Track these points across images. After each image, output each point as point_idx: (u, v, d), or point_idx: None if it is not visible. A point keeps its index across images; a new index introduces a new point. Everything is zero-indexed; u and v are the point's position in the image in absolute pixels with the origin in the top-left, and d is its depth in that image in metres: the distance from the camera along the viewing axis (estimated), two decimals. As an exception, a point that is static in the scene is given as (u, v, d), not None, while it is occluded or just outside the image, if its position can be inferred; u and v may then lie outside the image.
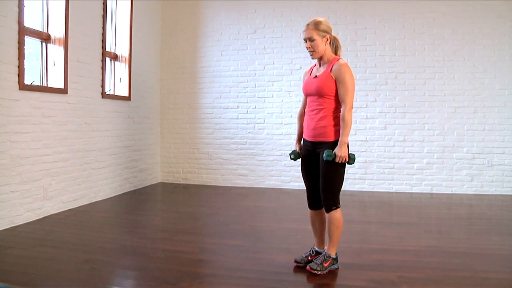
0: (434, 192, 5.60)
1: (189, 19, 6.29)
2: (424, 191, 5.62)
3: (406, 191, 5.66)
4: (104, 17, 4.92)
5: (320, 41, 2.64)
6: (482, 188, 5.50)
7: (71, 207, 4.43)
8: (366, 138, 5.74)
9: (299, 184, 5.70)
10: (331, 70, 2.63)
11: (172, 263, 2.91)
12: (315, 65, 2.81)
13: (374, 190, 5.74)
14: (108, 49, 5.16)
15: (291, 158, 2.90)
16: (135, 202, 5.05)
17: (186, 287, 2.49)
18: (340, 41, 2.79)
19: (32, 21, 4.08)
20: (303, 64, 5.90)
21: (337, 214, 2.65)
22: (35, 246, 3.22)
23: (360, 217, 4.36)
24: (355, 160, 2.65)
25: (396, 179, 5.71)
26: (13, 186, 3.72)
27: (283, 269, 2.77)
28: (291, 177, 5.78)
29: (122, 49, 5.47)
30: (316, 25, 2.63)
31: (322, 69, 2.70)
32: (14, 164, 3.72)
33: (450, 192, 5.56)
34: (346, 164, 2.63)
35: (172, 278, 2.62)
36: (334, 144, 2.62)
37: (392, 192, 5.64)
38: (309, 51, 2.68)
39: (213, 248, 3.32)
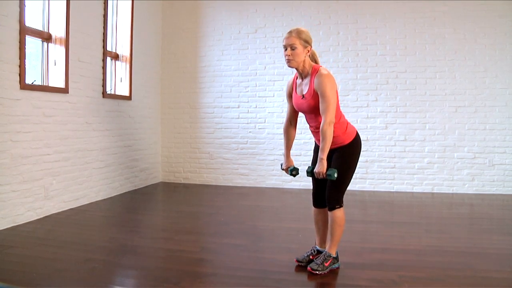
0: (435, 191, 5.59)
1: (190, 19, 6.29)
2: (425, 191, 5.62)
3: (407, 191, 5.66)
4: (105, 16, 4.92)
5: (301, 50, 2.56)
6: (483, 187, 5.50)
7: (72, 207, 4.43)
8: (367, 137, 5.73)
9: (300, 183, 5.71)
10: (314, 86, 2.56)
11: (173, 263, 2.91)
12: (296, 77, 2.72)
13: (375, 189, 5.73)
14: (109, 48, 5.16)
15: (291, 175, 2.76)
16: (136, 201, 5.05)
17: (187, 287, 2.49)
18: (317, 55, 2.73)
19: (33, 20, 4.08)
20: (304, 63, 5.89)
21: (339, 213, 2.65)
22: (36, 245, 3.22)
23: (361, 216, 4.36)
24: (334, 176, 2.49)
25: (397, 179, 5.71)
26: (14, 185, 3.72)
27: (284, 269, 2.77)
28: (292, 177, 5.76)
29: (123, 49, 5.48)
30: (299, 33, 2.57)
31: (305, 86, 2.62)
32: (15, 164, 3.72)
33: (451, 191, 5.56)
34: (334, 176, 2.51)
35: (173, 277, 2.62)
36: (349, 145, 2.65)
37: (393, 192, 5.64)
38: (287, 59, 2.58)
39: (214, 247, 3.33)
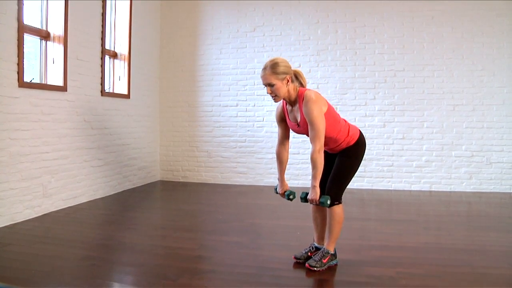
0: (433, 190, 5.61)
1: (189, 17, 6.29)
2: (423, 189, 5.64)
3: (405, 189, 5.67)
4: (103, 15, 4.92)
5: (281, 84, 2.49)
6: (480, 186, 5.52)
7: (70, 205, 4.43)
8: (365, 136, 5.71)
9: (298, 182, 5.72)
10: (303, 114, 2.52)
11: (172, 260, 2.92)
12: (286, 103, 2.67)
13: (373, 188, 5.75)
14: (107, 47, 5.16)
15: (288, 199, 2.69)
16: (134, 200, 5.05)
17: (186, 283, 2.49)
18: (303, 74, 2.65)
19: (31, 18, 4.08)
20: (302, 62, 5.91)
21: (338, 209, 2.67)
22: (35, 243, 3.22)
23: (359, 214, 4.37)
24: (326, 204, 2.52)
25: (395, 177, 5.72)
26: (13, 183, 3.72)
27: (283, 265, 2.78)
28: (290, 175, 5.77)
29: (122, 47, 5.48)
30: (273, 68, 2.48)
31: (297, 113, 2.59)
32: (13, 162, 3.72)
33: (449, 190, 5.58)
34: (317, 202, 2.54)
35: (172, 274, 2.62)
36: (354, 145, 2.70)
37: (391, 190, 5.66)
38: (271, 97, 2.55)
39: (213, 244, 3.33)
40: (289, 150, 2.90)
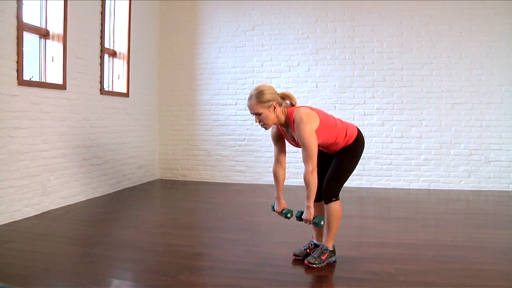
0: (431, 188, 5.63)
1: (188, 16, 6.30)
2: (421, 187, 5.65)
3: (404, 187, 5.68)
4: (102, 13, 4.92)
5: (267, 112, 2.48)
6: (479, 184, 5.53)
7: (69, 203, 4.43)
8: (364, 134, 5.72)
9: (297, 180, 5.73)
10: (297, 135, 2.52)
11: (171, 256, 2.93)
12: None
13: (372, 186, 5.76)
14: (106, 45, 5.16)
15: (286, 217, 2.67)
16: (134, 198, 5.05)
17: (185, 280, 2.50)
18: (291, 94, 2.62)
19: (30, 17, 4.08)
20: (301, 61, 5.92)
21: (336, 205, 2.68)
22: (35, 240, 3.23)
23: (359, 212, 4.38)
24: (320, 224, 2.54)
25: (394, 176, 5.74)
26: (12, 181, 3.72)
27: (282, 262, 2.79)
28: (289, 174, 5.77)
29: (121, 46, 5.48)
30: (258, 97, 2.47)
31: (293, 133, 2.58)
32: (13, 160, 3.72)
33: (447, 188, 5.59)
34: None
35: (171, 270, 2.63)
36: (353, 143, 2.70)
37: (390, 189, 5.67)
38: (260, 125, 2.55)
39: (212, 242, 3.34)
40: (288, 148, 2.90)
